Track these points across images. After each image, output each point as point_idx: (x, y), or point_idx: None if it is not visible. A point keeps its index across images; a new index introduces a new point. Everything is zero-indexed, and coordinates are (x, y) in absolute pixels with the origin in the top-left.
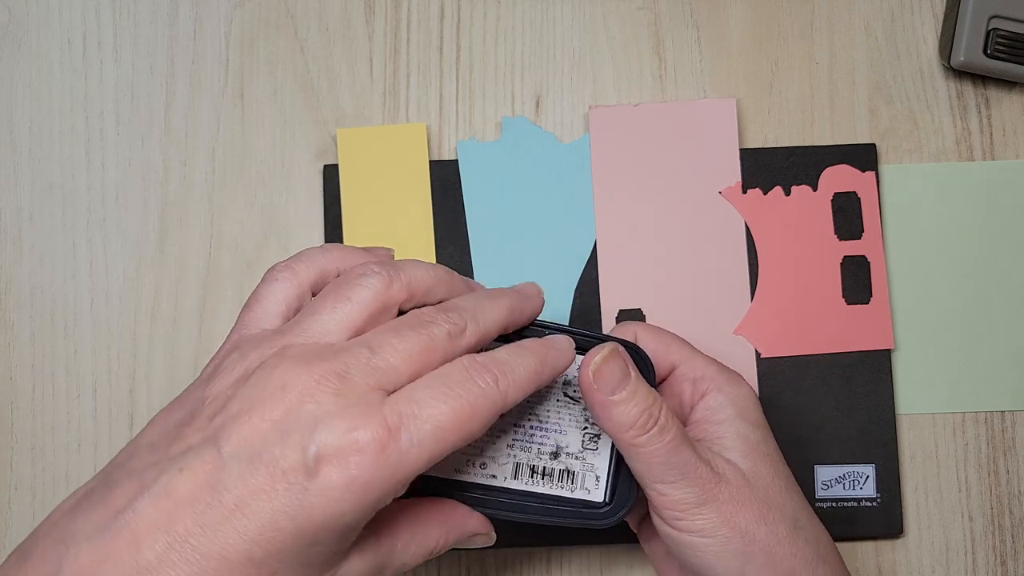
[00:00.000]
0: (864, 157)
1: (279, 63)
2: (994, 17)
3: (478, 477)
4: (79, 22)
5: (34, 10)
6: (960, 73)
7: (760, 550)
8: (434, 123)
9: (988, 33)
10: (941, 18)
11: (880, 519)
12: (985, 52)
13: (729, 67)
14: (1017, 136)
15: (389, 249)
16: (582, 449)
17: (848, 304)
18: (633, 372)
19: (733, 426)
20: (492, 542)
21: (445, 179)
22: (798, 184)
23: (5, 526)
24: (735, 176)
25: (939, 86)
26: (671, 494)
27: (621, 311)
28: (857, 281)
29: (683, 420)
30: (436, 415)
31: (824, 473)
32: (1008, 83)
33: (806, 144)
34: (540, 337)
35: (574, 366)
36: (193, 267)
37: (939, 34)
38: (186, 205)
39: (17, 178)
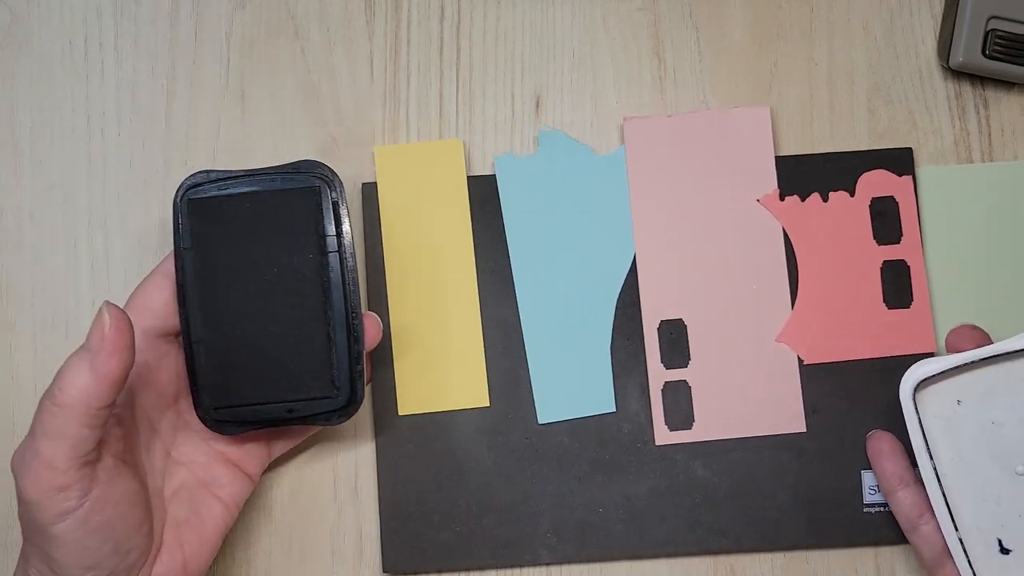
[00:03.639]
0: (901, 161)
1: (280, 64)
2: (993, 18)
3: None
4: (80, 23)
5: (36, 11)
6: (959, 74)
7: None
8: (434, 123)
9: (987, 34)
10: (940, 19)
11: None
12: (984, 53)
13: (728, 68)
14: (1016, 136)
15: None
16: None
17: (889, 308)
18: None
19: None
20: None
21: (483, 194)
22: (835, 190)
23: (7, 525)
24: (772, 184)
25: (938, 87)
26: None
27: (663, 322)
28: (897, 285)
29: None
30: None
31: (871, 479)
32: (1007, 84)
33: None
34: None
35: None
36: None
37: (938, 35)
38: None
39: (19, 178)
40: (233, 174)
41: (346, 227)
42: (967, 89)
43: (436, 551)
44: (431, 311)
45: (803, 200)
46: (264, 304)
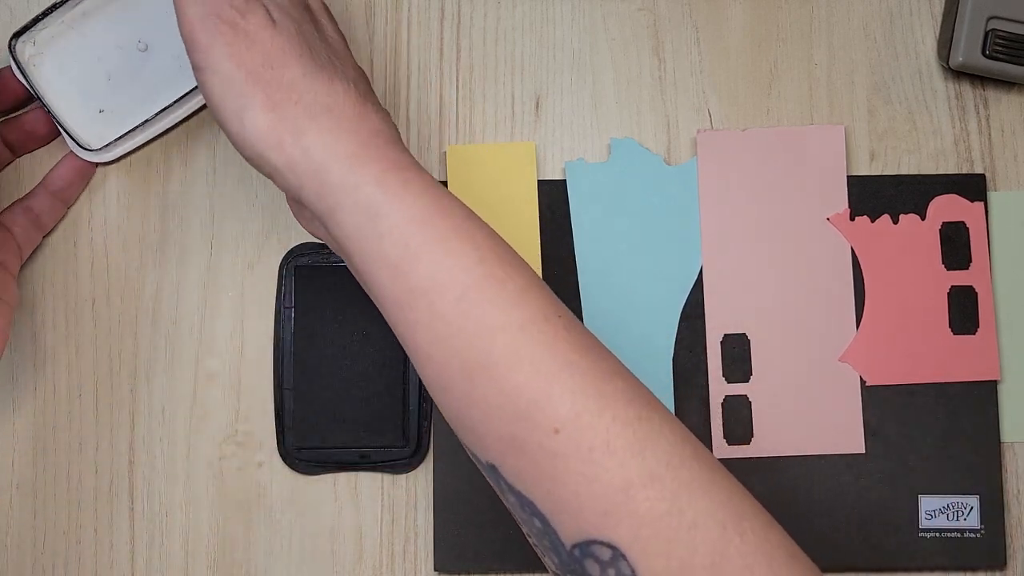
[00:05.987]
0: (973, 187)
1: None
2: (992, 18)
3: None
4: None
5: (36, 10)
6: (959, 74)
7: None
8: (434, 123)
9: (987, 34)
10: (940, 19)
11: (983, 551)
12: (984, 53)
13: (728, 68)
14: (1015, 137)
15: None
16: None
17: (955, 334)
18: None
19: None
20: None
21: (553, 199)
22: (906, 213)
23: (7, 525)
24: (843, 203)
25: (938, 87)
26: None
27: (726, 335)
28: (964, 311)
29: None
30: None
31: (928, 503)
32: (1007, 84)
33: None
34: None
35: None
36: (194, 267)
37: (938, 35)
38: (187, 205)
39: (19, 178)
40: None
41: None
42: (967, 89)
43: (488, 552)
44: None
45: (873, 221)
46: (351, 362)
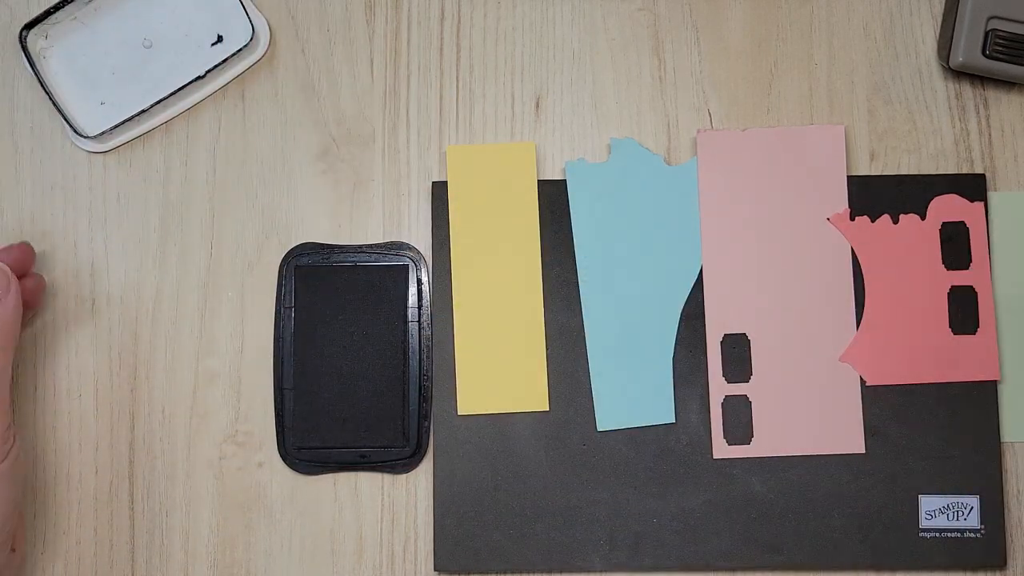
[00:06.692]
0: (973, 187)
1: (280, 64)
2: (992, 18)
3: None
4: None
5: (35, 10)
6: (959, 74)
7: None
8: (434, 123)
9: (987, 34)
10: (940, 19)
11: (983, 551)
12: (984, 53)
13: (728, 68)
14: (1015, 137)
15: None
16: None
17: (955, 334)
18: None
19: None
20: None
21: (553, 199)
22: (906, 213)
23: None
24: (843, 203)
25: (938, 87)
26: None
27: (726, 335)
28: (964, 311)
29: None
30: None
31: (928, 503)
32: (1007, 84)
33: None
34: None
35: None
36: (194, 267)
37: (938, 35)
38: (187, 205)
39: (19, 178)
40: (334, 247)
41: (426, 301)
42: (967, 89)
43: (488, 552)
44: (495, 312)
45: (873, 221)
46: (350, 361)
